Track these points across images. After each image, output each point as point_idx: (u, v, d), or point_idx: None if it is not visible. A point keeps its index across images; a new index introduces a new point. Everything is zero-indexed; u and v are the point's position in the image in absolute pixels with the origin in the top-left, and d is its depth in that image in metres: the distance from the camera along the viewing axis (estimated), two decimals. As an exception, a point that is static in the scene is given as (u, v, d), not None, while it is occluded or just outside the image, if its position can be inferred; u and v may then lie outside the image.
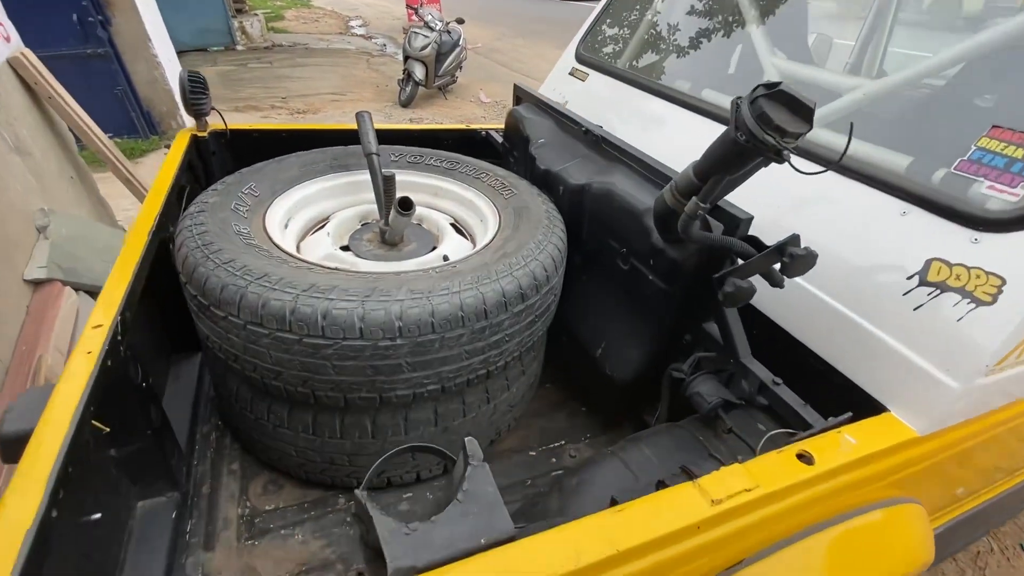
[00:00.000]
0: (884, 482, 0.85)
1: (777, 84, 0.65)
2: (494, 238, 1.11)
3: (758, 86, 0.67)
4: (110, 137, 2.72)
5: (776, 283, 0.85)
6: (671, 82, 1.65)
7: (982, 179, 0.83)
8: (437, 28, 6.06)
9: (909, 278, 0.87)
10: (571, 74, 1.88)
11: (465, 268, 0.95)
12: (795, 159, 0.68)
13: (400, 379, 0.89)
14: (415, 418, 0.99)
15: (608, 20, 1.89)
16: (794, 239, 0.81)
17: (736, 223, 0.89)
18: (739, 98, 0.69)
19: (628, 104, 1.58)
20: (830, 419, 0.82)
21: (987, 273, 0.79)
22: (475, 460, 0.64)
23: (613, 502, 0.82)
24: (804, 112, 0.65)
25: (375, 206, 1.25)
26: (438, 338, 0.86)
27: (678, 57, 1.78)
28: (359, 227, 1.27)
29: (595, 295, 1.24)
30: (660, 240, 0.98)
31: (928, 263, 0.85)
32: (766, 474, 0.70)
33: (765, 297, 1.03)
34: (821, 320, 0.96)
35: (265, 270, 0.85)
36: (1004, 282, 0.77)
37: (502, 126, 1.83)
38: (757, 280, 0.86)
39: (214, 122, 1.54)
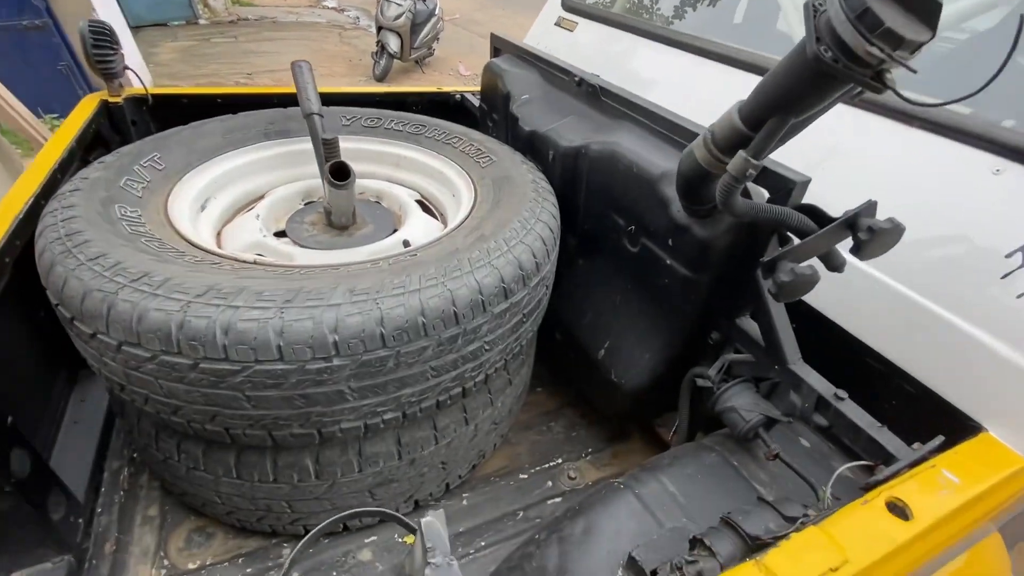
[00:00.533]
0: (981, 521, 0.66)
1: None
2: (468, 216, 0.88)
3: None
4: (56, 117, 2.40)
5: (836, 267, 0.64)
6: (679, 25, 1.40)
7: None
8: (411, -4, 5.68)
9: (1009, 256, 0.66)
10: (557, 24, 1.63)
11: (428, 257, 0.72)
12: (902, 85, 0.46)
13: (344, 409, 0.66)
14: (372, 452, 0.77)
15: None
16: (870, 207, 0.59)
17: (789, 187, 0.66)
18: (812, 1, 0.46)
19: (628, 55, 1.33)
20: (916, 446, 0.62)
21: None
22: (437, 555, 0.43)
23: (631, 562, 0.62)
24: (926, 9, 0.43)
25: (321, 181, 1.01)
26: (391, 354, 0.63)
27: (675, 4, 1.53)
28: (300, 207, 1.03)
29: (596, 284, 1.02)
30: (683, 214, 0.75)
31: (1037, 240, 0.65)
32: (853, 539, 0.50)
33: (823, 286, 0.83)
34: (890, 314, 0.74)
35: (147, 268, 0.62)
36: None
37: (479, 89, 1.59)
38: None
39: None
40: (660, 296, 0.87)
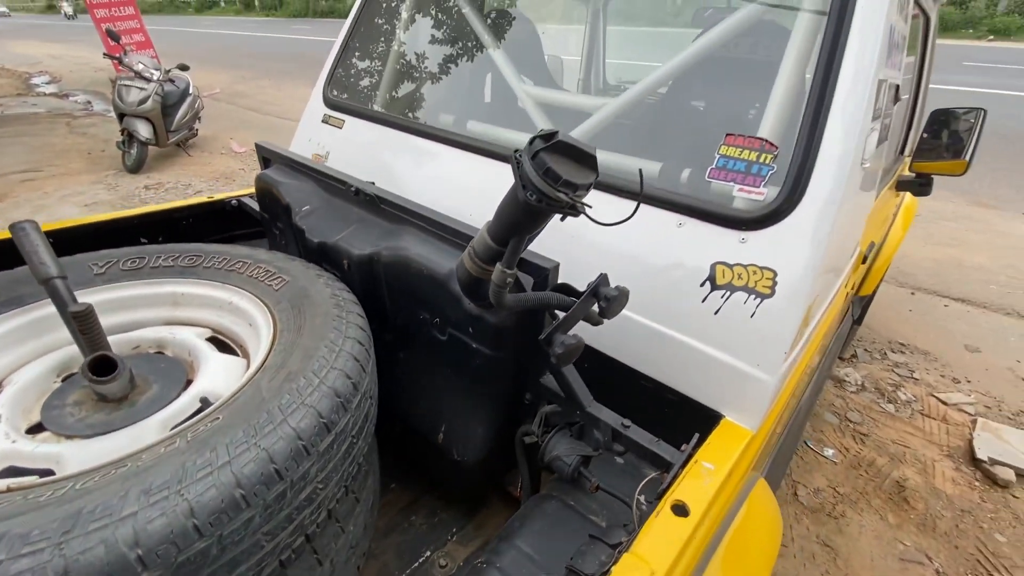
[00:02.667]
0: (739, 483, 0.88)
1: (553, 134, 0.58)
2: (270, 352, 0.86)
3: (534, 138, 0.59)
4: None
5: (596, 323, 0.81)
6: (434, 119, 1.56)
7: (733, 183, 0.91)
8: (155, 78, 5.14)
9: (702, 284, 0.91)
10: (324, 121, 1.67)
11: (233, 416, 0.69)
12: (589, 209, 0.63)
13: None
14: None
15: (352, 58, 1.73)
16: (603, 279, 0.76)
17: (544, 273, 0.82)
18: (518, 152, 0.60)
19: (396, 149, 1.44)
20: (683, 448, 0.81)
21: (760, 268, 0.86)
22: None
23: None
24: (588, 160, 0.59)
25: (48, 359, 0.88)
26: (212, 542, 0.59)
27: (435, 91, 1.72)
28: (57, 385, 0.88)
29: (421, 373, 1.07)
30: (473, 306, 0.86)
31: (713, 267, 0.90)
32: (655, 551, 0.63)
33: (589, 329, 1.01)
34: (644, 342, 0.95)
35: None
36: (776, 273, 0.85)
37: (248, 191, 1.54)
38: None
39: None
40: (477, 374, 0.96)
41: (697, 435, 0.81)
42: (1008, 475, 2.31)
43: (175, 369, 0.92)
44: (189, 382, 0.89)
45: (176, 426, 0.78)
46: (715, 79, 1.30)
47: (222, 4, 40.37)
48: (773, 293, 0.84)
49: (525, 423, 0.96)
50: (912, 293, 3.72)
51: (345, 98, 1.66)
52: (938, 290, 3.75)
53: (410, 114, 1.62)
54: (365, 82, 1.69)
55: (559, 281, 0.83)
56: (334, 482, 0.77)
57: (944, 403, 2.75)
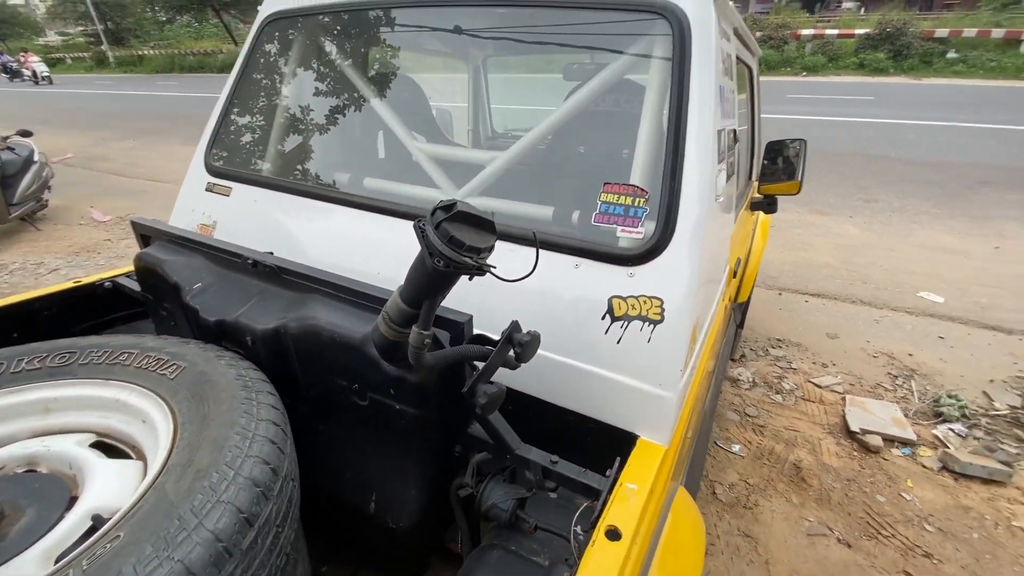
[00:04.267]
0: (661, 496, 0.95)
1: (452, 204, 0.63)
2: (172, 449, 0.79)
3: (435, 209, 0.64)
4: None
5: (514, 367, 0.85)
6: (329, 179, 1.56)
7: (615, 225, 1.02)
8: (-12, 148, 4.53)
9: (603, 318, 1.00)
10: (209, 191, 1.59)
11: (137, 531, 0.62)
12: (495, 268, 0.68)
13: None
14: None
15: (235, 121, 1.68)
16: (515, 326, 0.81)
17: (459, 327, 0.85)
18: (420, 222, 0.64)
19: (292, 214, 1.41)
20: (608, 473, 0.86)
21: (649, 298, 0.96)
22: None
23: None
24: (487, 225, 0.65)
25: None
26: None
27: (327, 151, 1.72)
28: None
29: (344, 443, 1.04)
30: (392, 368, 0.86)
31: (610, 301, 0.99)
32: None
33: (508, 372, 1.05)
34: (560, 377, 1.01)
35: None
36: (663, 301, 0.95)
37: (122, 271, 1.42)
38: None
39: None
40: (403, 435, 0.96)
41: (619, 459, 0.88)
42: (877, 441, 2.68)
43: (53, 487, 0.81)
44: (74, 499, 0.78)
45: (63, 555, 0.68)
46: (592, 130, 1.45)
47: (68, 61, 36.63)
48: (663, 319, 0.95)
49: (458, 476, 0.97)
50: (779, 294, 4.25)
51: (230, 164, 1.60)
52: (798, 288, 4.33)
53: (303, 176, 1.60)
54: (252, 146, 1.65)
55: (474, 332, 0.86)
56: (266, 572, 0.72)
57: (818, 386, 3.14)
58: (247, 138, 1.65)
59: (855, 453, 2.65)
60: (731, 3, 1.32)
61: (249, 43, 1.62)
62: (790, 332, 3.71)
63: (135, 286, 1.42)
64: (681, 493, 1.08)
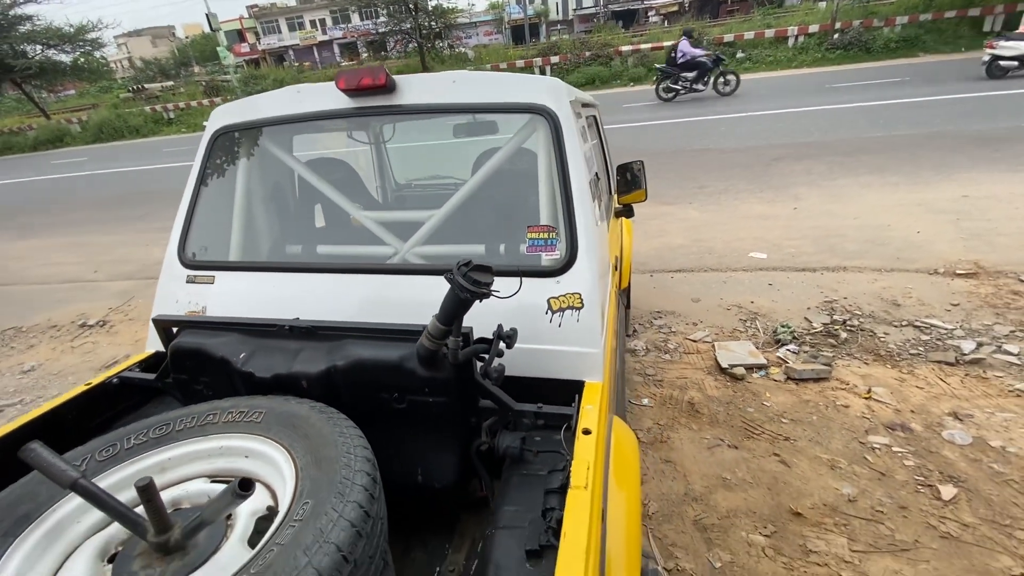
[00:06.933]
0: (606, 415, 1.48)
1: (469, 261, 1.11)
2: (297, 481, 1.10)
3: (459, 264, 1.11)
4: None
5: (508, 348, 1.34)
6: (309, 251, 1.92)
7: (541, 253, 1.56)
8: None
9: (546, 313, 1.52)
10: (191, 282, 1.86)
11: (297, 531, 0.91)
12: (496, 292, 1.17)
13: None
14: None
15: (200, 219, 1.94)
16: (500, 328, 1.30)
17: (468, 334, 1.31)
18: (451, 273, 1.11)
19: (275, 287, 1.75)
20: (572, 405, 1.38)
21: (572, 294, 1.51)
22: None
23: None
24: (488, 270, 1.13)
25: (109, 529, 1.03)
26: None
27: (297, 229, 2.06)
28: (108, 569, 1.00)
29: (388, 439, 1.41)
30: (425, 372, 1.29)
31: (548, 301, 1.52)
32: (580, 462, 1.16)
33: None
34: (529, 358, 1.51)
35: None
36: (581, 294, 1.50)
37: (123, 367, 1.67)
38: None
39: None
40: (436, 419, 1.37)
41: (577, 395, 1.39)
42: (740, 371, 3.53)
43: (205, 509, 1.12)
44: (228, 518, 1.10)
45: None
46: (500, 185, 1.99)
47: None
48: (583, 305, 1.49)
49: (475, 439, 1.41)
50: (651, 275, 5.15)
51: (206, 256, 1.88)
52: (664, 268, 5.28)
53: (275, 254, 1.93)
54: (222, 237, 1.93)
55: (475, 336, 1.33)
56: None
57: (693, 341, 3.98)
58: (216, 232, 1.93)
59: (728, 384, 3.47)
60: (577, 94, 1.95)
61: (203, 153, 1.91)
62: (665, 304, 4.57)
63: (147, 377, 1.65)
64: (617, 420, 1.63)
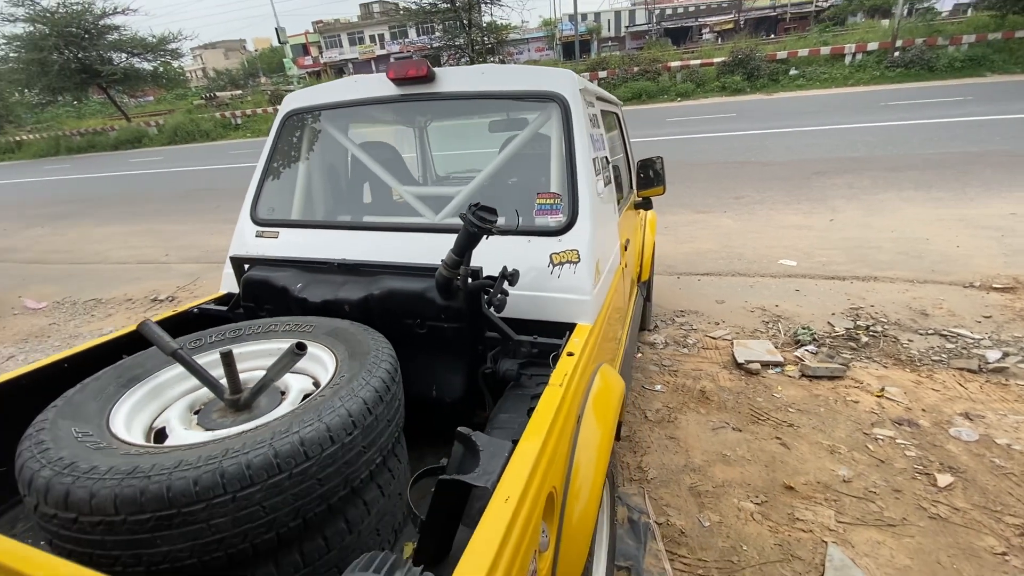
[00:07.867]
0: (591, 355, 1.72)
1: (477, 204, 1.39)
2: (340, 357, 1.42)
3: (471, 206, 1.39)
4: None
5: (513, 283, 1.60)
6: (343, 215, 2.27)
7: (547, 216, 1.82)
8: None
9: (548, 266, 1.78)
10: (259, 236, 2.23)
11: (343, 383, 1.24)
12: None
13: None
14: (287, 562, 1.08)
15: (270, 185, 2.32)
16: (505, 268, 1.57)
17: (479, 271, 1.59)
18: (464, 212, 1.40)
19: (326, 241, 2.09)
20: (564, 339, 1.62)
21: (570, 250, 1.76)
22: None
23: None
24: (492, 211, 1.41)
25: (196, 393, 1.37)
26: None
27: (338, 199, 2.42)
28: (195, 418, 1.33)
29: (409, 359, 1.69)
30: (442, 301, 1.58)
31: (550, 256, 1.78)
32: (559, 372, 1.41)
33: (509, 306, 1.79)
34: (531, 303, 1.77)
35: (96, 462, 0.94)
36: (578, 251, 1.75)
37: (202, 301, 2.03)
38: None
39: None
40: (449, 342, 1.65)
41: (568, 332, 1.64)
42: (755, 367, 3.63)
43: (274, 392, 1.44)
44: (282, 394, 1.41)
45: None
46: (519, 164, 2.27)
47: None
48: (580, 260, 1.74)
49: (481, 365, 1.68)
50: (677, 277, 5.29)
51: (273, 215, 2.25)
52: (692, 271, 5.40)
53: (329, 215, 2.28)
54: (286, 201, 2.31)
55: (484, 274, 1.60)
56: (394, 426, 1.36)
57: (713, 338, 4.11)
58: (281, 197, 2.31)
59: (742, 377, 3.58)
60: (591, 85, 2.22)
61: (275, 131, 2.30)
62: (689, 304, 4.71)
63: (219, 308, 2.02)
64: (606, 367, 1.86)
